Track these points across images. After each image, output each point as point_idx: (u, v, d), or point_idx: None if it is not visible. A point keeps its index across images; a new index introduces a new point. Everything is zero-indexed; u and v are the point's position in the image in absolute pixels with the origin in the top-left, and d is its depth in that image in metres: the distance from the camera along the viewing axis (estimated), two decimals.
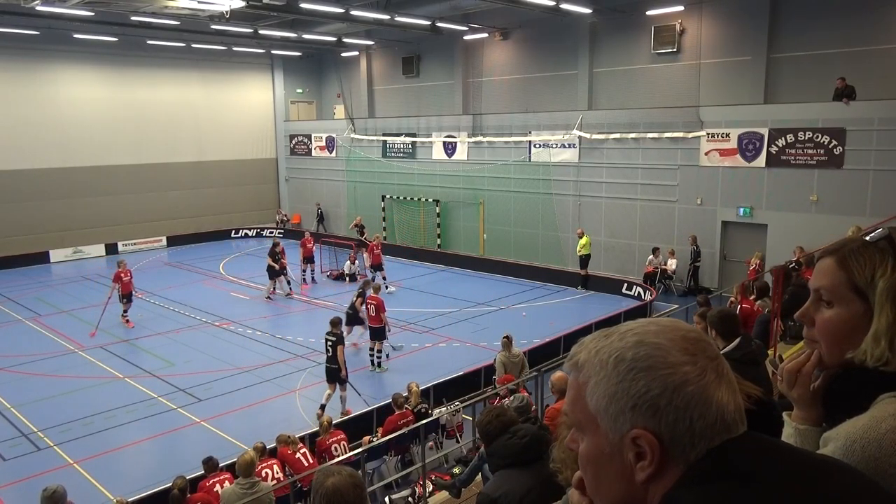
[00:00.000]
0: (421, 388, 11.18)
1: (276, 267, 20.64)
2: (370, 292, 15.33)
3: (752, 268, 17.27)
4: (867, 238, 1.40)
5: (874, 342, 1.32)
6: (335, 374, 12.49)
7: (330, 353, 12.39)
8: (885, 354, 1.31)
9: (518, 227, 24.72)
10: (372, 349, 15.05)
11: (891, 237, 1.40)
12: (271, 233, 32.81)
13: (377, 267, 21.70)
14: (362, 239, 25.39)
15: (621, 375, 1.03)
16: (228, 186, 32.51)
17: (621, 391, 1.02)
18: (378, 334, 14.92)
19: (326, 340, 12.54)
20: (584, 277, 21.43)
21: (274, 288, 20.94)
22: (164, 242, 30.41)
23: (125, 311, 18.32)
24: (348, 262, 23.70)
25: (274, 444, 9.60)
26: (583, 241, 21.17)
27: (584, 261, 21.31)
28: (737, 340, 4.78)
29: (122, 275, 18.06)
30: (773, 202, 18.65)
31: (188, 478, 8.62)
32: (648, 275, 20.32)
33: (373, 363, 15.01)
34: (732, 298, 12.30)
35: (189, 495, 8.07)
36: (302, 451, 9.22)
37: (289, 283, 21.68)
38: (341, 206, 31.60)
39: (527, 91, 25.37)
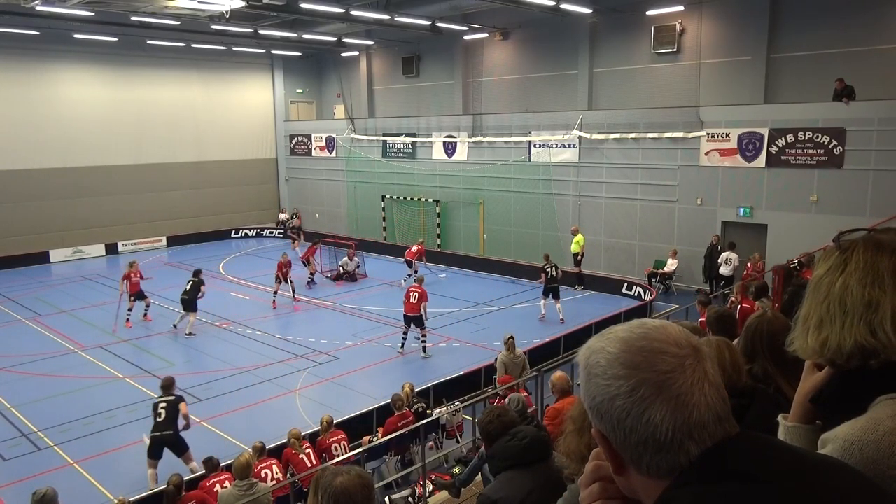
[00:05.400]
0: (421, 388, 11.17)
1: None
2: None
3: (745, 271, 17.23)
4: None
5: (802, 325, 1.40)
6: (163, 444, 10.10)
7: (161, 418, 9.98)
8: (809, 343, 1.37)
9: (518, 227, 24.72)
10: (418, 337, 15.85)
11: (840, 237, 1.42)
12: (271, 233, 32.85)
13: (409, 263, 22.79)
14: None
15: (583, 378, 1.11)
16: (228, 186, 32.52)
17: (584, 391, 1.11)
18: (418, 322, 15.64)
19: (158, 404, 10.12)
20: (579, 276, 21.47)
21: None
22: (164, 242, 30.42)
23: (129, 310, 18.35)
24: (346, 258, 23.71)
25: (272, 445, 9.60)
26: (578, 238, 21.20)
27: (578, 259, 21.36)
28: (734, 342, 4.78)
29: (132, 275, 18.24)
30: (773, 202, 18.65)
31: (188, 478, 8.63)
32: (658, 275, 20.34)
33: (401, 346, 15.95)
34: (733, 298, 12.31)
35: (185, 493, 8.08)
36: (307, 450, 9.21)
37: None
38: (341, 206, 31.61)
39: (527, 91, 25.37)
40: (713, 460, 1.01)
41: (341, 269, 23.67)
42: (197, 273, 17.81)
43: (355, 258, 23.74)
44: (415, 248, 22.92)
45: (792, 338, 1.43)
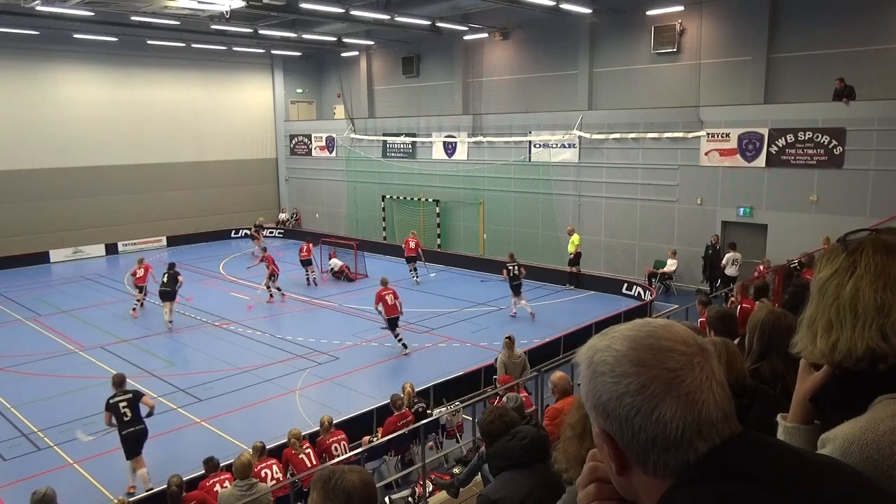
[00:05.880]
0: (421, 388, 11.17)
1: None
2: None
3: (755, 275, 17.18)
4: None
5: (808, 328, 1.38)
6: (137, 440, 10.19)
7: (128, 417, 9.98)
8: (816, 345, 1.36)
9: (518, 227, 24.71)
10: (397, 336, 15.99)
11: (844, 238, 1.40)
12: (271, 233, 32.81)
13: (409, 259, 23.10)
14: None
15: (587, 377, 1.10)
16: (228, 186, 32.51)
17: (588, 391, 1.10)
18: (397, 323, 15.88)
19: (119, 404, 9.96)
20: (575, 275, 21.47)
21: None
22: (164, 242, 30.43)
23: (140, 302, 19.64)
24: (331, 259, 23.87)
25: (272, 445, 9.60)
26: (574, 238, 21.21)
27: (576, 259, 21.36)
28: (735, 341, 4.78)
29: (137, 270, 19.41)
30: (773, 202, 18.65)
31: (188, 478, 8.62)
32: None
33: (404, 346, 15.89)
34: (733, 298, 12.31)
35: (185, 493, 8.09)
36: (307, 450, 9.21)
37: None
38: (341, 206, 31.61)
39: (527, 91, 25.37)
40: (716, 460, 1.01)
41: (331, 269, 23.76)
42: (171, 266, 18.64)
43: (335, 258, 23.81)
44: (412, 243, 22.92)
45: (796, 340, 1.42)
